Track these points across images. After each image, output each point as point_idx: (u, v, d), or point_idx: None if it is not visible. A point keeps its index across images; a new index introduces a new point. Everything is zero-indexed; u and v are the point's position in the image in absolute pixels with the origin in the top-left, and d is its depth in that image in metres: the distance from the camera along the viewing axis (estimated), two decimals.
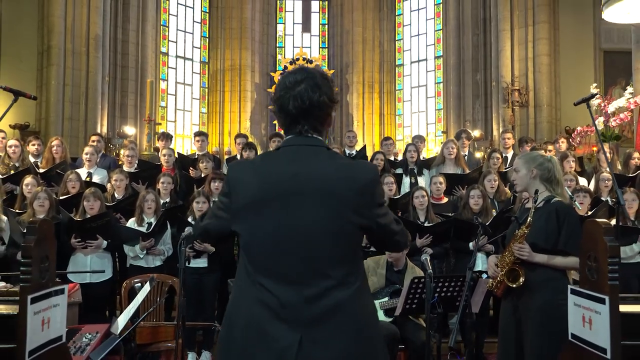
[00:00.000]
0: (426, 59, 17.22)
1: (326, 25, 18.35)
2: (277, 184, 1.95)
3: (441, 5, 16.55)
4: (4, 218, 5.30)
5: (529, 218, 3.28)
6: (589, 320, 2.52)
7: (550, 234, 3.28)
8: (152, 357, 5.19)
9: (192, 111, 17.05)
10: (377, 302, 4.59)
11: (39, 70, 11.90)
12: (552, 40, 12.53)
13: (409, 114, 17.50)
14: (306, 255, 1.92)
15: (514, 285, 3.32)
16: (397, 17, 17.73)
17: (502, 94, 12.82)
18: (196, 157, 7.56)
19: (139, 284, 4.81)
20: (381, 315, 4.53)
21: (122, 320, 3.56)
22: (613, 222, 5.64)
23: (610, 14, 6.72)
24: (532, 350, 3.22)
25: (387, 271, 4.76)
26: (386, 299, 4.60)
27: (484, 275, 3.88)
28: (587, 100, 4.00)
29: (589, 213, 5.57)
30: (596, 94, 4.25)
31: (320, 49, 18.35)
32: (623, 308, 2.41)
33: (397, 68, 17.69)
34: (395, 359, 4.45)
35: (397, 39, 17.72)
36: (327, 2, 18.29)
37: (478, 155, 11.55)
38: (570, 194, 5.85)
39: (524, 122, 12.49)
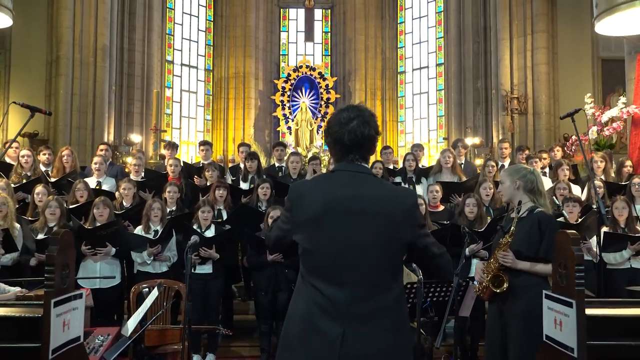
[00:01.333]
0: (428, 67, 17.43)
1: (329, 33, 18.59)
2: (337, 203, 2.29)
3: (442, 13, 16.78)
4: (17, 226, 5.54)
5: (512, 227, 3.50)
6: (559, 322, 2.75)
7: (533, 242, 3.49)
8: (158, 358, 5.42)
9: (196, 118, 17.30)
10: None
11: (47, 80, 12.19)
12: (551, 49, 12.73)
13: (410, 120, 17.70)
14: (357, 263, 2.26)
15: (498, 291, 3.54)
16: (398, 25, 17.96)
17: (501, 101, 13.03)
18: (201, 165, 7.80)
19: (147, 289, 5.04)
20: None
21: (131, 323, 3.79)
22: (604, 229, 5.89)
23: (602, 27, 6.91)
24: (515, 352, 3.43)
25: None
26: None
27: (474, 281, 4.09)
28: (572, 115, 4.22)
29: (579, 221, 5.76)
30: (581, 109, 4.46)
31: (323, 57, 18.58)
32: (589, 311, 2.64)
33: (399, 75, 17.91)
34: None
35: (399, 46, 17.95)
36: (330, 10, 18.54)
37: (478, 162, 11.78)
38: (558, 202, 6.09)
39: (523, 130, 12.70)
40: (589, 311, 2.63)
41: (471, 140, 14.15)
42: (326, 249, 2.27)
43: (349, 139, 2.34)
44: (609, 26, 7.04)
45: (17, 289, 4.23)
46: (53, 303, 2.35)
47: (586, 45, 12.53)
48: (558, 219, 5.98)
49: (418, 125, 17.56)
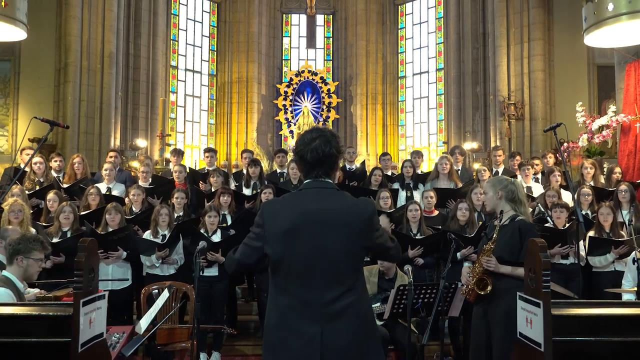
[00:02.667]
0: (428, 71, 17.62)
1: (331, 39, 18.85)
2: (306, 217, 2.58)
3: (442, 19, 17.03)
4: (33, 231, 5.84)
5: (494, 235, 3.80)
6: (530, 320, 3.06)
7: (514, 248, 3.80)
8: (166, 356, 5.73)
9: (200, 122, 17.54)
10: None
11: (56, 86, 12.50)
12: (547, 56, 12.99)
13: (411, 124, 17.90)
14: (326, 268, 2.55)
15: (483, 293, 3.84)
16: (399, 30, 18.16)
17: (499, 107, 13.29)
18: (206, 171, 8.11)
19: (157, 291, 5.36)
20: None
21: (144, 322, 4.10)
22: (590, 233, 6.19)
23: (591, 40, 7.20)
24: (498, 349, 3.74)
25: (379, 279, 5.29)
26: (378, 304, 5.11)
27: (461, 284, 4.39)
28: (554, 129, 4.52)
29: (567, 226, 6.05)
30: (561, 124, 4.75)
31: (325, 62, 18.79)
32: (555, 311, 2.94)
33: (399, 80, 18.10)
34: (386, 358, 4.97)
35: (399, 51, 18.15)
36: (331, 16, 18.81)
37: (476, 166, 12.05)
38: (542, 209, 6.38)
39: (520, 135, 12.95)
40: (554, 311, 2.95)
41: (470, 145, 14.44)
42: (299, 257, 2.56)
43: (311, 157, 2.63)
44: (598, 38, 7.33)
45: (37, 290, 4.54)
46: (82, 303, 2.68)
47: (582, 52, 12.75)
48: (546, 224, 6.31)
49: (418, 129, 17.75)
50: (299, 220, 2.58)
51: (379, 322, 5.02)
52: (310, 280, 2.55)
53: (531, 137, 12.86)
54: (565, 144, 8.55)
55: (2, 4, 6.75)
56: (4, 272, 3.72)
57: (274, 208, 2.68)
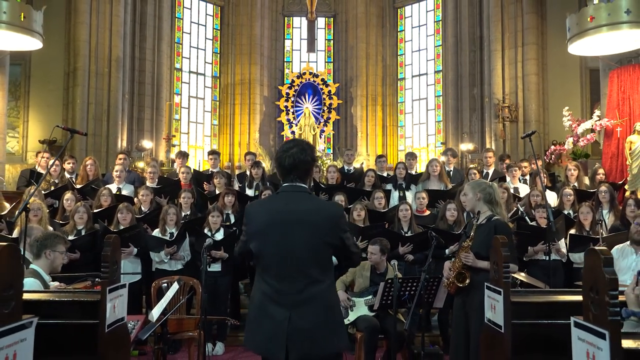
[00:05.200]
0: (426, 73, 17.85)
1: (331, 41, 19.17)
2: (278, 217, 2.97)
3: (440, 22, 17.37)
4: (51, 229, 6.28)
5: (472, 233, 4.23)
6: (494, 307, 3.50)
7: (490, 245, 4.21)
8: (174, 345, 6.16)
9: (204, 123, 17.81)
10: (362, 299, 5.55)
11: (65, 90, 12.93)
12: (540, 60, 13.36)
13: (410, 125, 18.16)
14: (294, 262, 2.92)
15: (462, 285, 4.27)
16: (399, 33, 18.39)
17: (493, 110, 13.68)
18: (210, 173, 8.54)
19: (166, 284, 5.79)
20: (366, 310, 5.48)
21: (156, 311, 4.52)
22: (572, 231, 6.60)
23: (575, 49, 7.61)
24: (474, 334, 4.16)
25: (371, 274, 5.72)
26: (370, 297, 5.53)
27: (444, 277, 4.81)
28: (529, 136, 4.94)
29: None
30: (535, 131, 5.18)
31: (326, 64, 19.01)
32: (514, 299, 3.38)
33: (399, 82, 18.33)
34: (376, 345, 5.41)
35: (399, 54, 18.36)
36: (332, 18, 19.14)
37: (472, 166, 12.46)
38: (521, 210, 6.79)
39: (514, 137, 13.30)
40: (514, 298, 3.38)
41: (466, 146, 14.84)
42: (272, 252, 2.95)
43: (287, 163, 3.01)
44: (581, 47, 7.73)
45: (56, 283, 4.96)
46: (108, 290, 3.13)
47: (574, 57, 12.95)
48: (531, 223, 6.73)
49: (417, 130, 18.01)
50: (272, 220, 2.97)
51: (371, 314, 5.46)
52: (282, 272, 2.91)
53: (525, 139, 13.22)
54: (553, 147, 8.96)
55: (21, 17, 7.19)
56: (32, 266, 4.16)
57: (254, 209, 3.10)
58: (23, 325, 2.38)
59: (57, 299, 3.24)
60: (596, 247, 2.41)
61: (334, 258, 3.11)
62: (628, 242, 5.40)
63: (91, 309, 3.13)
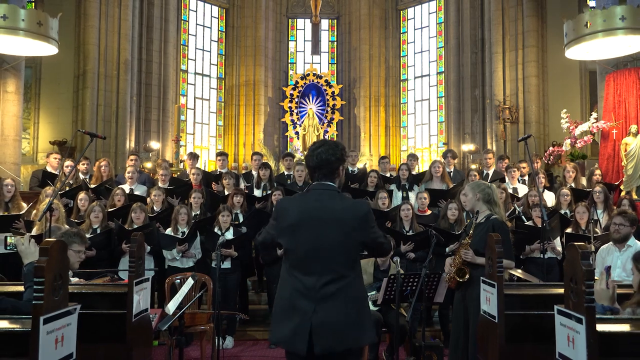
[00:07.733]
0: (429, 75, 18.09)
1: (335, 43, 19.36)
2: (308, 213, 3.10)
3: (442, 24, 17.60)
4: (67, 227, 6.55)
5: (471, 231, 4.49)
6: (488, 299, 3.77)
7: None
8: (186, 339, 6.42)
9: (209, 124, 18.05)
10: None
11: (75, 92, 13.27)
12: (541, 62, 13.63)
13: (412, 126, 18.39)
14: (322, 257, 3.03)
15: (461, 280, 4.53)
16: (401, 34, 18.63)
17: (494, 111, 13.93)
18: (218, 173, 8.81)
19: (179, 281, 6.07)
20: (370, 306, 5.74)
21: (172, 305, 4.78)
22: (568, 230, 6.85)
23: (572, 53, 7.85)
24: (472, 325, 4.43)
25: (375, 270, 6.00)
26: (374, 292, 5.80)
27: (444, 273, 5.07)
28: (525, 140, 5.20)
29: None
30: (531, 135, 5.43)
31: (330, 65, 19.22)
32: (507, 291, 3.66)
33: (401, 83, 18.57)
34: (380, 338, 5.68)
35: (401, 55, 18.61)
36: (336, 20, 19.34)
37: (474, 166, 12.72)
38: (518, 210, 7.04)
39: (515, 137, 13.53)
40: (506, 291, 3.66)
41: (467, 147, 15.09)
42: (301, 247, 3.06)
43: (312, 162, 3.17)
44: (578, 52, 7.98)
45: (76, 279, 5.24)
46: (135, 283, 3.41)
47: (574, 59, 13.39)
48: (528, 222, 6.99)
49: (420, 131, 18.22)
50: (301, 217, 3.08)
51: (375, 309, 5.72)
52: (309, 267, 3.02)
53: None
54: (551, 148, 9.21)
55: (38, 24, 7.48)
56: None
57: (284, 206, 3.22)
58: (69, 311, 2.66)
59: (89, 292, 3.53)
60: (575, 243, 2.67)
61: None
62: None
63: (120, 300, 3.42)
